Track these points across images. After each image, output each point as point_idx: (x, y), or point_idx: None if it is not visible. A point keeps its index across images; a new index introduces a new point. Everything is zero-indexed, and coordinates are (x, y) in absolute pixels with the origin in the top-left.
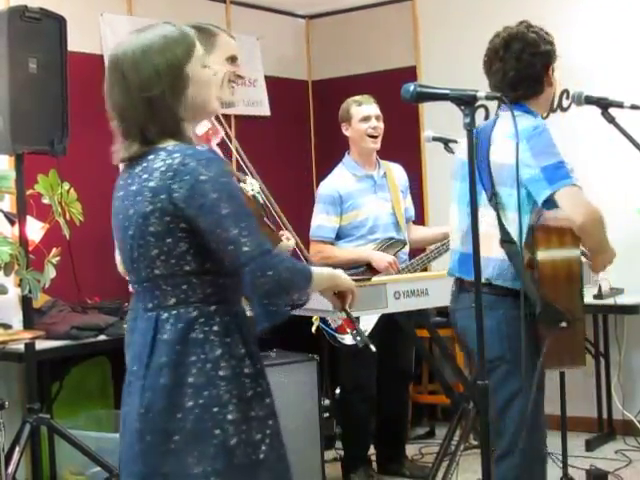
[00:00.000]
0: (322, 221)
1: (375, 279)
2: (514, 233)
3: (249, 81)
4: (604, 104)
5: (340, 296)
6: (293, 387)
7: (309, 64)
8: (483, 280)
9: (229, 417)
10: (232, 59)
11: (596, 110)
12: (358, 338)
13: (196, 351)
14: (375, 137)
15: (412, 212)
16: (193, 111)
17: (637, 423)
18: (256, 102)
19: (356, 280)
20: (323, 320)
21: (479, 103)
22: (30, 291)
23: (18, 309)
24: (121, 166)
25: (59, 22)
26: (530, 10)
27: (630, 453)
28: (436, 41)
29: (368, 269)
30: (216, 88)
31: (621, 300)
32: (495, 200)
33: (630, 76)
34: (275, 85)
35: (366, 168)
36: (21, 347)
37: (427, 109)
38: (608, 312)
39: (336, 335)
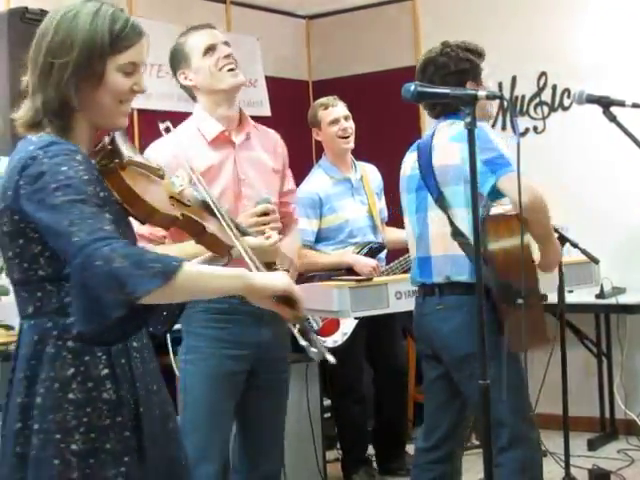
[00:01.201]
0: (302, 225)
1: (376, 279)
2: (463, 228)
3: (249, 81)
4: (605, 103)
5: (284, 303)
6: (293, 387)
7: (309, 64)
8: (442, 279)
9: (73, 447)
10: (209, 49)
11: (597, 109)
12: (313, 350)
13: (46, 368)
14: (346, 137)
15: (385, 214)
16: (92, 114)
17: (639, 423)
18: (256, 102)
19: (357, 281)
20: None
21: (479, 102)
22: None
23: None
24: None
25: None
26: (531, 10)
27: (632, 453)
28: (437, 41)
29: (348, 273)
30: (126, 104)
31: (623, 299)
32: (441, 201)
33: (634, 75)
34: (275, 85)
35: (343, 170)
36: None
37: None
38: (610, 312)
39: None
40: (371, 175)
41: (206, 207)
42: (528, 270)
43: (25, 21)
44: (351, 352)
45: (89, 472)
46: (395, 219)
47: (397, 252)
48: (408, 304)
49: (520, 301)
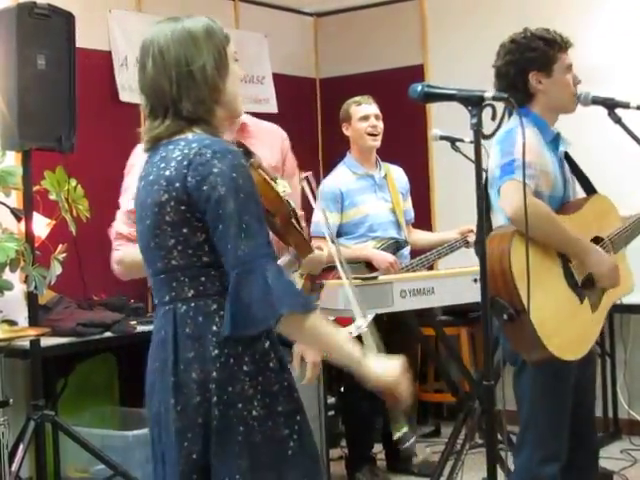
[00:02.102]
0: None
1: (381, 278)
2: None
3: (257, 78)
4: (610, 104)
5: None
6: (298, 385)
7: (317, 62)
8: None
9: (254, 413)
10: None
11: (602, 111)
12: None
13: (218, 345)
14: (375, 135)
15: (412, 215)
16: (226, 104)
17: None
18: (263, 99)
19: (362, 279)
20: None
21: (486, 103)
22: (36, 287)
23: (24, 305)
24: (144, 156)
25: (67, 18)
26: (540, 10)
27: (636, 453)
28: (444, 40)
29: (367, 267)
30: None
31: (627, 299)
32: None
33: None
34: (283, 82)
35: (366, 167)
36: (26, 344)
37: (435, 107)
38: (614, 311)
39: None
40: (396, 175)
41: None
42: (507, 283)
43: (33, 16)
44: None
45: (269, 433)
46: (428, 218)
47: (421, 253)
48: (413, 303)
49: (505, 317)
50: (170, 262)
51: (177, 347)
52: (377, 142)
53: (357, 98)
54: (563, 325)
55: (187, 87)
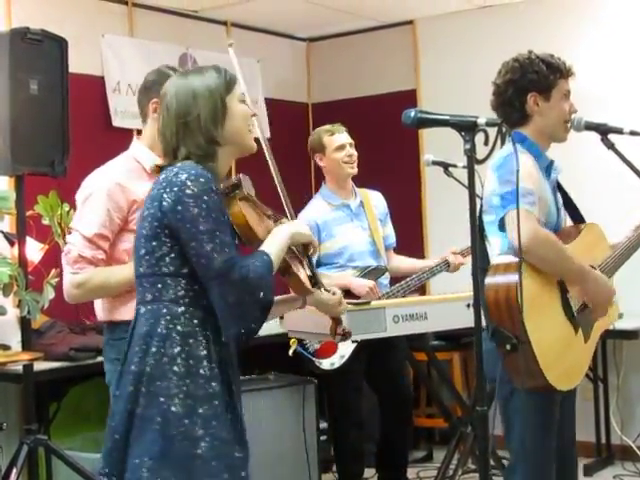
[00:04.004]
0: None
1: (374, 303)
2: (492, 255)
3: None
4: (603, 130)
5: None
6: (290, 409)
7: (309, 87)
8: None
9: (172, 409)
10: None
11: (595, 136)
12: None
13: (158, 344)
14: (352, 163)
15: (393, 239)
16: (230, 144)
17: (635, 448)
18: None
19: (355, 304)
20: (301, 344)
21: (479, 128)
22: (29, 312)
23: (17, 330)
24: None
25: (60, 43)
26: (533, 36)
27: (628, 478)
28: (436, 65)
29: (346, 295)
30: (253, 128)
31: (620, 325)
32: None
33: (633, 104)
34: (275, 107)
35: (342, 196)
36: (19, 368)
37: (427, 132)
38: (607, 337)
39: (314, 360)
40: (375, 201)
41: (296, 254)
42: (513, 314)
43: (26, 41)
44: (350, 374)
45: (183, 430)
46: (420, 242)
47: (402, 279)
48: (406, 328)
49: (508, 347)
50: (139, 269)
51: (130, 343)
52: (355, 169)
53: (327, 127)
54: (561, 356)
55: (184, 136)
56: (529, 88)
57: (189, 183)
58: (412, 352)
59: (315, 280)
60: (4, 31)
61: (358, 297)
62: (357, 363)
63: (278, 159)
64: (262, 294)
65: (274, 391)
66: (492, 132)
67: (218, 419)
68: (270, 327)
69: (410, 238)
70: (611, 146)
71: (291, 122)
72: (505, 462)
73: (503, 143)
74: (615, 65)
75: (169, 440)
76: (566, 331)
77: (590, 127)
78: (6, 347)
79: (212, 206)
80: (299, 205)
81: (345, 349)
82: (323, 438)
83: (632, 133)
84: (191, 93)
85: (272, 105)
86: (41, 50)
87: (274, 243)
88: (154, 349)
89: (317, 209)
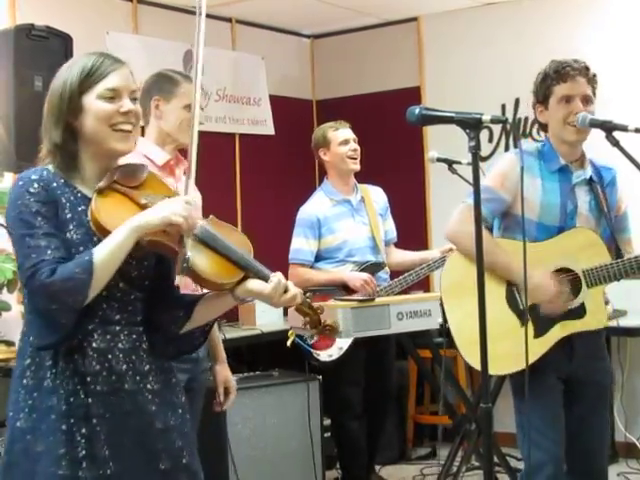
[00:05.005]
0: (301, 245)
1: (378, 300)
2: None
3: (253, 100)
4: (608, 127)
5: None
6: (294, 406)
7: (313, 84)
8: None
9: (17, 424)
10: (189, 107)
11: (600, 133)
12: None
13: (17, 359)
14: (355, 159)
15: (393, 234)
16: (90, 144)
17: (639, 446)
18: (260, 121)
19: (359, 301)
20: (299, 335)
21: (484, 125)
22: None
23: (21, 326)
24: None
25: (65, 40)
26: (538, 33)
27: (632, 476)
28: (441, 62)
29: (343, 290)
30: (123, 125)
31: (624, 322)
32: None
33: (637, 101)
34: (279, 104)
35: (344, 192)
36: None
37: (432, 129)
38: (611, 334)
39: (312, 351)
40: (375, 197)
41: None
42: None
43: (31, 38)
44: (349, 368)
45: (25, 446)
46: (425, 238)
47: (403, 272)
48: (410, 325)
49: None
50: None
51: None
52: (357, 166)
53: (331, 123)
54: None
55: (43, 134)
56: (535, 102)
57: (13, 188)
58: (416, 349)
59: (188, 260)
60: (9, 27)
61: (355, 291)
62: (356, 357)
63: (282, 155)
64: (71, 299)
65: (278, 388)
66: (496, 129)
67: (55, 434)
68: (274, 324)
69: (414, 234)
70: (616, 143)
71: (295, 119)
72: (509, 459)
73: (509, 140)
74: (620, 62)
75: (12, 454)
76: (504, 320)
77: (595, 124)
78: (10, 343)
79: (24, 209)
80: (302, 200)
81: (344, 341)
82: (327, 435)
83: (637, 130)
84: (50, 89)
85: (276, 102)
86: (46, 47)
87: (106, 242)
88: (16, 364)
89: (318, 204)
